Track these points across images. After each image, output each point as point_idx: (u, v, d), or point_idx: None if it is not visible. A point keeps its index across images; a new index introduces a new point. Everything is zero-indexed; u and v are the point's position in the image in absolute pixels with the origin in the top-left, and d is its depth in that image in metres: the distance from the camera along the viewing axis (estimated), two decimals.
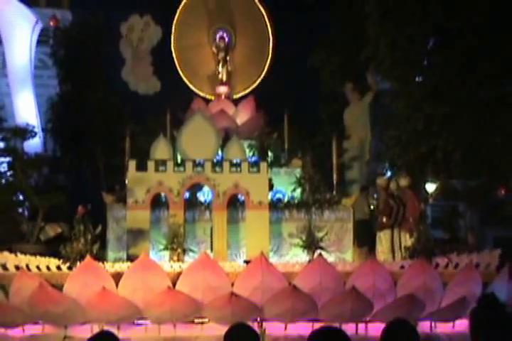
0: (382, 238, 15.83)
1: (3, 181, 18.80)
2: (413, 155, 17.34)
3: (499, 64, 16.53)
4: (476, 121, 16.53)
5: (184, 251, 14.56)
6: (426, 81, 18.03)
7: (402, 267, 12.88)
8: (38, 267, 12.80)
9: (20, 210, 19.35)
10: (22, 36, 23.77)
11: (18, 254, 14.05)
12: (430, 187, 18.57)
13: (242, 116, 19.45)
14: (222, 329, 9.77)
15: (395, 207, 15.64)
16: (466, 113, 16.52)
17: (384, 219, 15.67)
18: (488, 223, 19.66)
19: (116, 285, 11.35)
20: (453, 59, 16.80)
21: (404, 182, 15.89)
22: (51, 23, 24.84)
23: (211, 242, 15.32)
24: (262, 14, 20.41)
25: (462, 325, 11.93)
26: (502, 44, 16.60)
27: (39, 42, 24.37)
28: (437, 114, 16.81)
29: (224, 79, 19.78)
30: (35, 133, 20.72)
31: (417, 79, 18.60)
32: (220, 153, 16.36)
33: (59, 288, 11.32)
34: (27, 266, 12.60)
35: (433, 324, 11.82)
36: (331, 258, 14.74)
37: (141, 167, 15.43)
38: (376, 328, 11.24)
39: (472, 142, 16.53)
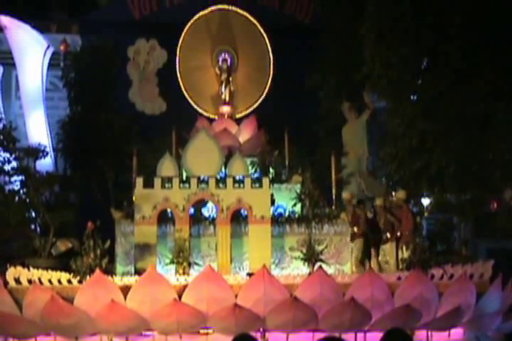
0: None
1: (17, 199, 19.00)
2: (408, 170, 17.47)
3: (487, 83, 16.79)
4: (467, 137, 16.74)
5: (190, 264, 14.91)
6: (420, 99, 18.18)
7: (399, 278, 13.15)
8: (49, 281, 13.19)
9: (32, 226, 19.52)
10: (34, 60, 24.13)
11: (31, 268, 14.22)
12: (425, 201, 18.69)
13: (245, 134, 19.84)
14: (226, 340, 10.15)
15: (395, 223, 15.88)
16: (457, 130, 16.72)
17: (388, 235, 15.94)
18: (481, 235, 19.69)
19: (125, 297, 11.52)
20: (444, 78, 17.02)
21: (401, 195, 16.12)
22: (62, 48, 25.11)
23: (216, 256, 15.68)
24: (263, 37, 20.85)
25: (457, 333, 12.27)
26: (489, 64, 16.86)
27: (50, 65, 24.63)
28: (431, 130, 17.00)
29: (227, 99, 20.23)
30: (47, 153, 20.83)
31: (411, 97, 18.73)
32: (223, 169, 16.68)
33: (70, 300, 11.46)
34: (39, 279, 12.96)
35: (429, 333, 11.97)
36: (330, 270, 15.11)
37: (148, 184, 15.87)
38: (374, 337, 11.46)
39: (464, 157, 16.69)
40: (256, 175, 17.58)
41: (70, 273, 13.40)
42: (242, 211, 16.06)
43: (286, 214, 16.84)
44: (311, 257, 14.72)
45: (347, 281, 12.70)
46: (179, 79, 20.89)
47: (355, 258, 15.84)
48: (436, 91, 17.20)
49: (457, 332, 12.25)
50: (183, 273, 14.56)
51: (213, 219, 16.22)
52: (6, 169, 19.58)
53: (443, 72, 17.15)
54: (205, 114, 20.74)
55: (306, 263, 14.85)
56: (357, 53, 19.27)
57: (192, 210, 16.10)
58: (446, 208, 18.76)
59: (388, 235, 15.88)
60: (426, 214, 18.70)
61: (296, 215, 16.72)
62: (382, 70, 17.86)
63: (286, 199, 17.28)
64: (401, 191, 16.19)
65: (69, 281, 13.25)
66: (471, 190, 17.75)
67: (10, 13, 24.39)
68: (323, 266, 13.49)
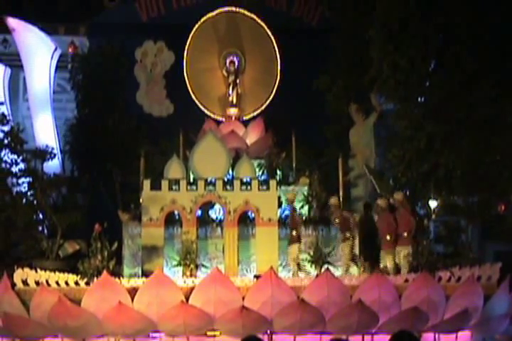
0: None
1: (24, 200, 19.07)
2: (416, 172, 17.44)
3: (495, 84, 16.75)
4: (475, 139, 16.69)
5: (197, 266, 14.90)
6: (427, 101, 18.15)
7: (407, 281, 13.20)
8: (57, 282, 13.30)
9: (40, 228, 19.60)
10: (42, 62, 24.24)
11: (38, 270, 14.28)
12: (432, 204, 18.63)
13: (252, 136, 19.87)
14: None
15: (352, 222, 16.02)
16: (465, 131, 16.69)
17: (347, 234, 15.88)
18: (488, 237, 19.65)
19: (132, 299, 11.56)
20: (452, 80, 16.99)
21: (398, 196, 15.92)
22: (69, 50, 25.28)
23: (223, 258, 15.69)
24: (270, 39, 20.85)
25: (465, 336, 12.28)
26: (498, 66, 16.82)
27: (58, 67, 24.74)
28: (438, 132, 16.98)
29: (234, 101, 20.23)
30: (54, 155, 20.93)
31: (418, 99, 18.69)
32: (230, 172, 16.69)
33: (77, 302, 11.53)
34: (47, 281, 13.04)
35: (436, 335, 11.99)
36: (337, 272, 15.10)
37: (156, 186, 15.91)
38: (382, 340, 11.54)
39: (472, 159, 16.65)
40: (263, 177, 17.60)
41: (77, 275, 13.41)
42: (249, 213, 16.07)
43: None
44: (319, 259, 14.68)
45: (354, 283, 12.70)
46: (186, 81, 20.92)
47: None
48: (444, 92, 17.15)
49: (465, 334, 12.25)
50: (190, 275, 14.56)
51: (220, 221, 16.25)
52: (14, 171, 19.62)
53: (451, 73, 17.10)
54: (212, 116, 20.78)
55: (314, 266, 14.80)
56: (365, 55, 19.24)
57: (199, 212, 16.13)
58: (453, 210, 18.70)
59: (347, 234, 15.73)
60: (433, 216, 18.65)
61: (304, 217, 16.69)
62: (389, 72, 17.84)
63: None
64: (398, 192, 16.15)
65: (76, 283, 13.32)
66: (478, 193, 17.70)
67: (18, 15, 24.51)
68: (331, 268, 13.53)
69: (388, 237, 15.28)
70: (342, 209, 16.43)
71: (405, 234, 15.19)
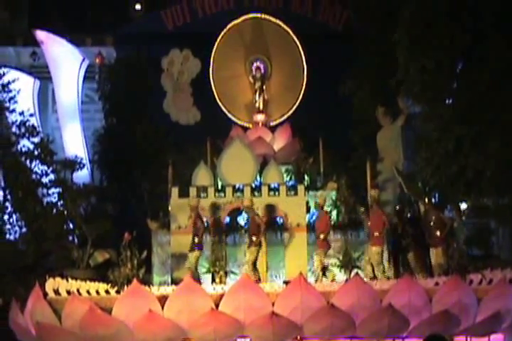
0: None
1: (55, 211, 19.32)
2: (445, 175, 17.26)
3: None
4: (505, 140, 16.45)
5: (226, 273, 14.95)
6: (455, 103, 17.95)
7: (437, 284, 13.04)
8: (88, 291, 13.35)
9: (70, 238, 19.76)
10: (70, 74, 24.59)
11: (69, 279, 14.32)
12: (462, 206, 18.42)
13: (279, 142, 19.78)
14: None
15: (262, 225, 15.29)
16: (495, 132, 16.46)
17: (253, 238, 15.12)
18: None
19: (162, 307, 11.58)
20: (480, 81, 16.77)
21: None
22: (97, 60, 25.51)
23: None
24: (296, 44, 20.72)
25: (497, 339, 12.16)
26: None
27: (86, 78, 25.09)
28: (467, 134, 16.79)
29: (261, 107, 20.10)
30: (83, 165, 21.17)
31: (446, 101, 18.51)
32: (258, 178, 16.74)
33: (108, 311, 11.59)
34: (78, 290, 13.11)
35: (468, 339, 11.94)
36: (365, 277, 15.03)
37: (184, 193, 16.01)
38: None
39: (502, 160, 16.39)
40: (291, 183, 17.52)
41: (107, 284, 13.60)
42: (277, 219, 16.06)
43: None
44: (348, 264, 14.65)
45: (384, 288, 12.57)
46: (213, 88, 20.89)
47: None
48: (473, 94, 16.95)
49: (497, 337, 12.16)
50: (220, 282, 14.61)
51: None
52: (44, 182, 19.91)
53: (479, 74, 16.90)
54: (239, 122, 20.71)
55: (343, 270, 14.79)
56: (391, 57, 19.09)
57: (228, 219, 16.15)
58: (483, 212, 18.48)
59: (254, 238, 15.07)
60: (463, 218, 18.45)
61: (332, 222, 16.51)
62: (416, 74, 17.66)
63: None
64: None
65: (107, 292, 13.44)
66: (509, 194, 17.48)
67: (46, 27, 24.87)
68: (360, 272, 13.62)
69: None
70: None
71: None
